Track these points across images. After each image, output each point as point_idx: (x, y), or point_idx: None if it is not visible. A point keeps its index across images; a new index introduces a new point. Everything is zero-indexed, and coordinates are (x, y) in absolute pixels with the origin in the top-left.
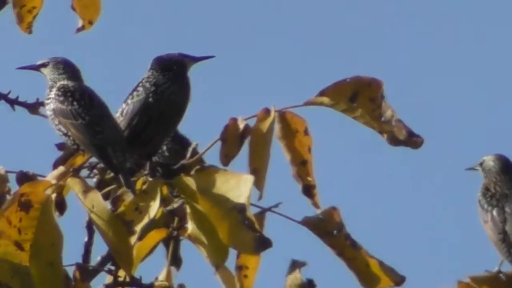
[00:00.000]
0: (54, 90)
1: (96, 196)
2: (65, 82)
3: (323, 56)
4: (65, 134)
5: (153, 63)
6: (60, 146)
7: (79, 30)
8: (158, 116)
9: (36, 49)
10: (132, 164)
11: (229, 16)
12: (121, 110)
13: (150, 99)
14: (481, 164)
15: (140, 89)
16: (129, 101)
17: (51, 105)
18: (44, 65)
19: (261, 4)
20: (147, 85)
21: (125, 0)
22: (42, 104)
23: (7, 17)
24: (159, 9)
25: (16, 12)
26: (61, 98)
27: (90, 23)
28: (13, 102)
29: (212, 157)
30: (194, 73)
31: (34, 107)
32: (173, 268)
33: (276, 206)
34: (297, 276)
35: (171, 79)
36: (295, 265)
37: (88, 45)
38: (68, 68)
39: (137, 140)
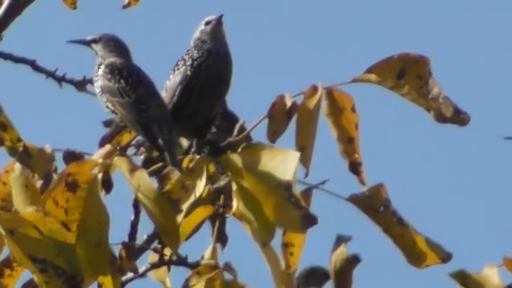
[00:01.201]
0: (102, 68)
1: (142, 175)
2: (113, 59)
3: (370, 32)
4: (113, 112)
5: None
6: (107, 123)
7: (125, 6)
8: (198, 89)
9: (82, 26)
10: (179, 142)
11: None
12: (165, 87)
13: (188, 72)
14: None
15: (180, 63)
16: (171, 77)
17: (99, 82)
18: (94, 41)
19: None
20: (186, 57)
21: None
22: (89, 81)
23: None
24: None
25: None
26: (109, 76)
27: None
28: (60, 80)
29: (259, 134)
30: (242, 50)
31: (81, 85)
32: (218, 246)
33: (322, 183)
34: (343, 250)
35: (208, 51)
36: (341, 240)
37: (134, 22)
38: (117, 46)
39: (180, 114)
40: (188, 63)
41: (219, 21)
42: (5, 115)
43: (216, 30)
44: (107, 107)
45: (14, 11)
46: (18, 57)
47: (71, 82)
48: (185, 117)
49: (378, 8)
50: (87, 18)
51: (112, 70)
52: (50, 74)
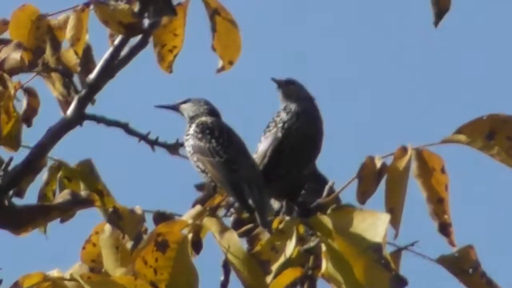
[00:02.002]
0: (193, 127)
1: (232, 236)
2: (204, 118)
3: (458, 92)
4: (203, 171)
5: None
6: (200, 187)
7: (219, 70)
8: (289, 151)
9: (176, 89)
10: (270, 203)
11: (364, 45)
12: (256, 149)
13: (279, 134)
14: None
15: (271, 125)
16: (262, 139)
17: (189, 142)
18: (183, 102)
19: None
20: (277, 120)
21: (265, 39)
22: (181, 144)
23: (147, 57)
24: (300, 48)
25: (156, 52)
26: (200, 135)
27: (230, 63)
28: (153, 143)
29: (348, 196)
30: (329, 111)
31: (174, 148)
32: None
33: (412, 244)
34: None
35: (296, 113)
36: None
37: (228, 85)
38: (207, 105)
39: (271, 176)
40: (279, 125)
41: (279, 85)
42: (103, 182)
43: (289, 92)
44: (198, 166)
45: (107, 74)
46: (111, 120)
47: (163, 145)
48: (276, 179)
49: (463, 68)
50: (182, 81)
51: (203, 130)
52: (143, 138)
